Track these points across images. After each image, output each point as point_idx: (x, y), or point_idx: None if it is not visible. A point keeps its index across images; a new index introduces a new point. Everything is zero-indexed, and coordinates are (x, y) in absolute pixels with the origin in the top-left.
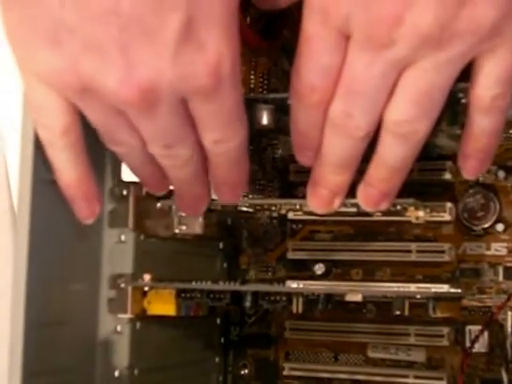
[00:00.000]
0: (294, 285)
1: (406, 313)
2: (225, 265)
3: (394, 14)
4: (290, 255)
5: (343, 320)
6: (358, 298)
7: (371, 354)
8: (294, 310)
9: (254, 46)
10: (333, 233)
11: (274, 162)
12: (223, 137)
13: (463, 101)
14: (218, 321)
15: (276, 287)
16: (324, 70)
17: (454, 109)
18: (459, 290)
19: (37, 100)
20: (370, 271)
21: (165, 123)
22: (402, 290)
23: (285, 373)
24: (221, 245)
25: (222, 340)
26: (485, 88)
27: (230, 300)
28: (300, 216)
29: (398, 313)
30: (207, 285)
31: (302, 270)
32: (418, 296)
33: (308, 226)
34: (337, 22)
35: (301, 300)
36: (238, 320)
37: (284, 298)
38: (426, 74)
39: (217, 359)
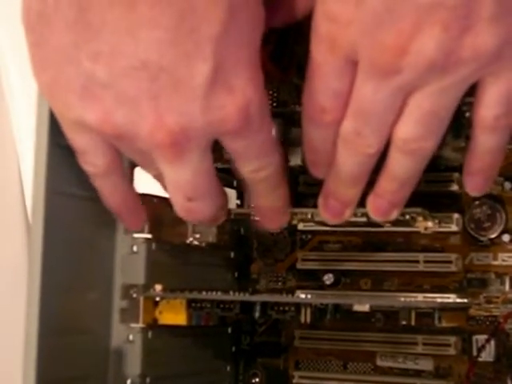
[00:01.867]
0: (302, 295)
1: (413, 323)
2: (236, 274)
3: (398, 43)
4: (300, 265)
5: (352, 329)
6: (366, 308)
7: (380, 362)
8: (303, 320)
9: (275, 79)
10: (342, 243)
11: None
12: (259, 166)
13: (467, 114)
14: (229, 330)
15: (285, 298)
16: (334, 93)
17: (458, 122)
18: (466, 300)
19: (78, 143)
20: (379, 281)
21: (194, 169)
22: (408, 300)
23: (294, 381)
24: (232, 254)
25: (233, 349)
26: (488, 108)
27: (240, 310)
28: (310, 227)
29: (404, 323)
30: (217, 295)
31: (312, 279)
32: (424, 306)
33: (318, 237)
34: (344, 49)
35: (309, 310)
36: (249, 329)
37: (292, 309)
38: (431, 96)
39: (228, 368)
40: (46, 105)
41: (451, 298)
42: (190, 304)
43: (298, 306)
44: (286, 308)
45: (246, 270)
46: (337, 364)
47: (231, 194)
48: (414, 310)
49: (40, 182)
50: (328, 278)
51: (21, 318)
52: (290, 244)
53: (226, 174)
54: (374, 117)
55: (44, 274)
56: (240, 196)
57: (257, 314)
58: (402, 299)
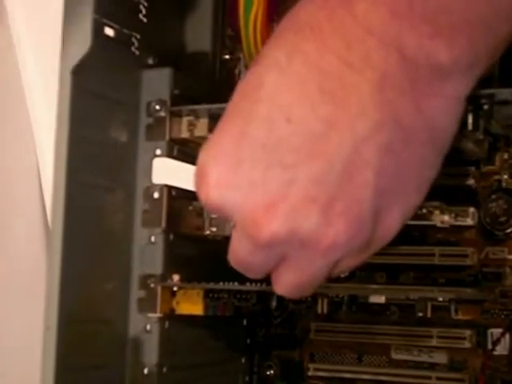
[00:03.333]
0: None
1: (429, 315)
2: None
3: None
4: None
5: (367, 322)
6: (382, 299)
7: (394, 355)
8: (319, 311)
9: None
10: None
11: None
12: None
13: (486, 107)
14: (245, 322)
15: None
16: None
17: (476, 114)
18: (481, 294)
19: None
20: (394, 275)
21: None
22: (424, 291)
23: (310, 373)
24: None
25: (248, 341)
26: None
27: (256, 300)
28: None
29: (420, 315)
30: (234, 285)
31: None
32: (441, 298)
33: None
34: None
35: (326, 301)
36: (264, 321)
37: (309, 299)
38: (295, 267)
39: (243, 360)
40: (67, 97)
41: (467, 292)
42: (207, 294)
43: (315, 296)
44: (303, 299)
45: None
46: (352, 357)
47: None
48: (430, 303)
49: (60, 170)
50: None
51: (40, 307)
52: None
53: None
54: (253, 269)
55: (64, 264)
56: None
57: (273, 304)
58: (418, 291)
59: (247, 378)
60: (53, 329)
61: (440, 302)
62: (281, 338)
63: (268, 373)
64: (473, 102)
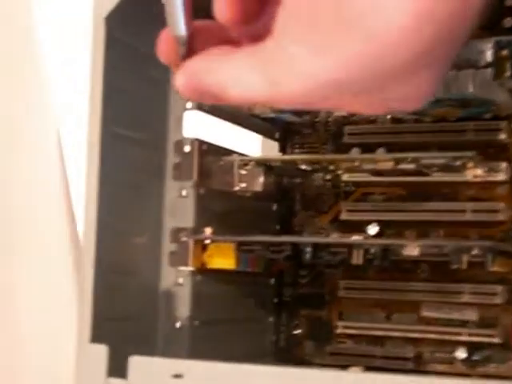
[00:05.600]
0: (354, 237)
1: (464, 266)
2: (277, 227)
3: None
4: (344, 216)
5: (397, 279)
6: (415, 251)
7: (424, 313)
8: (354, 261)
9: None
10: (386, 194)
11: (327, 125)
12: None
13: None
14: (272, 281)
15: (336, 239)
16: None
17: None
18: None
19: None
20: (424, 232)
21: None
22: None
23: (338, 331)
24: (274, 207)
25: (276, 300)
26: None
27: (291, 252)
28: (354, 177)
29: (455, 267)
30: (268, 237)
31: (355, 231)
32: (475, 252)
33: (361, 188)
34: None
35: (361, 252)
36: (292, 281)
37: (344, 250)
38: None
39: (270, 319)
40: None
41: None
42: (240, 247)
43: (350, 248)
44: (338, 250)
45: (289, 223)
46: (380, 315)
47: (274, 145)
48: (466, 254)
49: (95, 120)
50: (372, 228)
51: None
52: (333, 196)
53: (269, 123)
54: None
55: (99, 214)
56: (282, 149)
57: (308, 257)
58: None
59: (274, 338)
60: (89, 278)
61: (474, 254)
62: (308, 297)
63: (295, 332)
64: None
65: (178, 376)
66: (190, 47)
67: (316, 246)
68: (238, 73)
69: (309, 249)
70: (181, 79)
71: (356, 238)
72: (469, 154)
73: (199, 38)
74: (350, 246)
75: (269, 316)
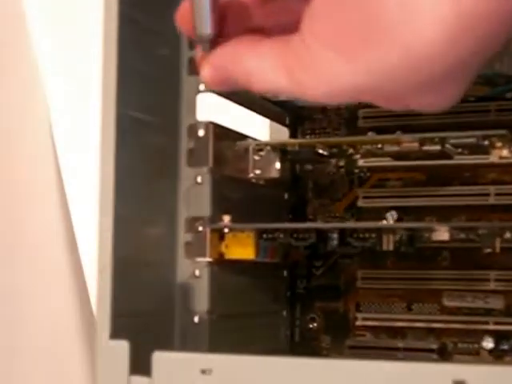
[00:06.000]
0: (384, 222)
1: (498, 250)
2: (290, 216)
3: None
4: (361, 203)
5: (417, 268)
6: (446, 236)
7: (446, 302)
8: (385, 247)
9: None
10: (403, 180)
11: (339, 110)
12: None
13: None
14: (285, 273)
15: (365, 224)
16: None
17: None
18: None
19: None
20: (445, 217)
21: None
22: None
23: (358, 323)
24: (286, 195)
25: (288, 293)
26: None
27: (316, 239)
28: (370, 163)
29: (488, 251)
30: (293, 224)
31: (372, 219)
32: (507, 235)
33: (377, 174)
34: None
35: (391, 237)
36: (305, 273)
37: (374, 235)
38: None
39: (284, 313)
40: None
41: None
42: (261, 235)
43: (379, 233)
44: (367, 235)
45: (301, 212)
46: (401, 305)
47: (284, 132)
48: (499, 237)
49: (109, 102)
50: (391, 216)
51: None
52: (347, 183)
53: (280, 108)
54: None
55: (115, 208)
56: (293, 135)
57: (335, 243)
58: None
59: (288, 332)
60: (107, 272)
61: (506, 238)
62: (323, 288)
63: (311, 326)
64: None
65: (206, 371)
66: (220, 32)
67: (343, 233)
68: (263, 66)
69: (335, 235)
70: (207, 70)
71: (385, 222)
72: (502, 131)
73: (229, 22)
74: (379, 232)
75: (283, 309)
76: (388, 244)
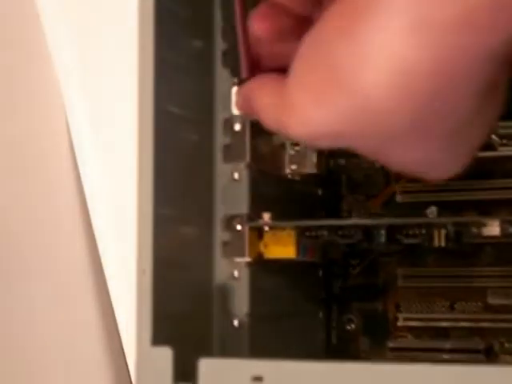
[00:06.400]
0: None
1: None
2: (323, 213)
3: None
4: (400, 199)
5: (459, 265)
6: (497, 231)
7: (491, 300)
8: (437, 244)
9: None
10: None
11: None
12: None
13: None
14: (320, 273)
15: (415, 219)
16: None
17: None
18: None
19: None
20: (486, 212)
21: None
22: None
23: (399, 324)
24: (319, 191)
25: (324, 294)
26: None
27: (363, 236)
28: None
29: None
30: (337, 221)
31: (411, 215)
32: None
33: None
34: None
35: (443, 232)
36: (341, 272)
37: (424, 232)
38: None
39: (320, 314)
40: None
41: None
42: (303, 233)
43: (431, 229)
44: (417, 231)
45: (336, 209)
46: (443, 304)
47: None
48: None
49: (147, 97)
50: (431, 212)
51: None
52: (383, 177)
53: None
54: None
55: (155, 207)
56: None
57: (382, 240)
58: None
59: (325, 335)
60: (147, 275)
61: None
62: (361, 288)
63: (348, 327)
64: None
65: (257, 379)
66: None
67: (391, 229)
68: (267, 104)
69: (383, 231)
70: (237, 99)
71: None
72: None
73: (262, 64)
74: (430, 227)
75: (319, 310)
76: (439, 240)
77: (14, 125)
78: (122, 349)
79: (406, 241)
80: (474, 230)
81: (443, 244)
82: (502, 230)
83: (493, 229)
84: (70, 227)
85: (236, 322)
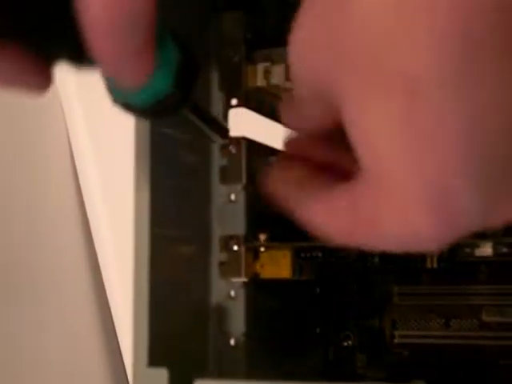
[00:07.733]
0: None
1: None
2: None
3: None
4: None
5: (454, 283)
6: (489, 252)
7: (486, 317)
8: (429, 265)
9: None
10: None
11: None
12: None
13: None
14: (318, 290)
15: None
16: None
17: None
18: None
19: None
20: (481, 232)
21: None
22: None
23: (396, 341)
24: None
25: (321, 310)
26: None
27: (356, 257)
28: None
29: None
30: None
31: None
32: None
33: None
34: None
35: (435, 257)
36: (338, 289)
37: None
38: None
39: (317, 330)
40: None
41: None
42: (298, 255)
43: (424, 254)
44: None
45: None
46: (438, 321)
47: None
48: None
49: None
50: None
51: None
52: None
53: None
54: None
55: (151, 227)
56: None
57: (376, 260)
58: None
59: (322, 351)
60: (143, 295)
61: None
62: (357, 305)
63: (345, 344)
64: None
65: None
66: None
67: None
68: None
69: (376, 253)
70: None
71: None
72: None
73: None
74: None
75: (316, 327)
76: (432, 262)
77: (13, 128)
78: (125, 370)
79: (399, 261)
80: (467, 250)
81: (435, 265)
82: (495, 250)
83: (485, 250)
84: (70, 239)
85: (233, 342)
